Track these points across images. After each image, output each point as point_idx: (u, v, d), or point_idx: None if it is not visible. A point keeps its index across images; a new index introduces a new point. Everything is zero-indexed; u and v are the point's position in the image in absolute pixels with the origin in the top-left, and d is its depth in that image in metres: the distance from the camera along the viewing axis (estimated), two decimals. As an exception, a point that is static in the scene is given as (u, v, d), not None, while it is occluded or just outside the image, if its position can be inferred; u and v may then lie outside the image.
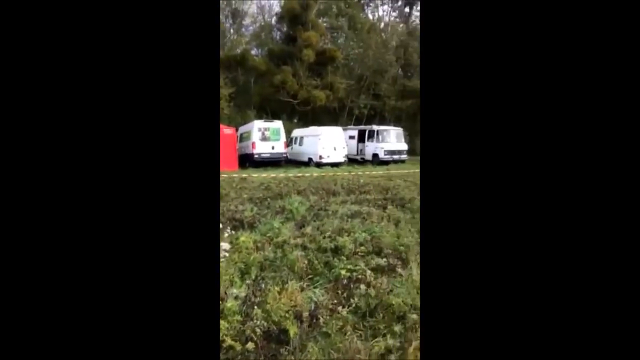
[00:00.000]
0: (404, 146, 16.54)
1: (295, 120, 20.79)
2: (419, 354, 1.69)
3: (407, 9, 24.95)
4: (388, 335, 1.84)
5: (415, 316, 1.95)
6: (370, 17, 24.17)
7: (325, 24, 21.58)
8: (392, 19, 24.89)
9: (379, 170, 11.84)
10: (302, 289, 2.39)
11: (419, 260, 2.94)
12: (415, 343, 1.74)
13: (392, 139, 16.12)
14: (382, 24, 24.24)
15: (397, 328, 1.89)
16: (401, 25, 24.69)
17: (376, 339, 1.85)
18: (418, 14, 25.05)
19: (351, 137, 16.74)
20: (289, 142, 15.32)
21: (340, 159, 14.22)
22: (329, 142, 13.99)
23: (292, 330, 1.89)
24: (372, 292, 2.29)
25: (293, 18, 19.66)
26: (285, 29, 21.41)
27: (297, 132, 16.04)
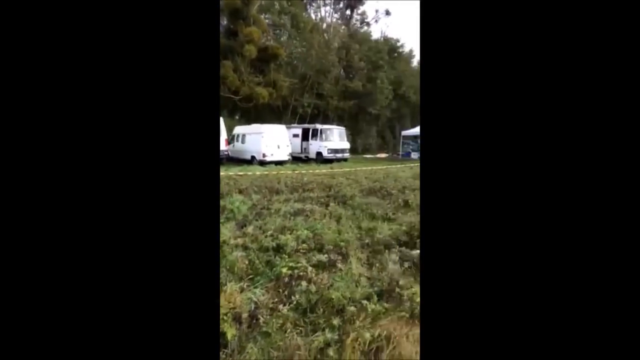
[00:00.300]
0: (346, 145, 17.02)
1: (237, 117, 20.17)
2: (356, 345, 1.74)
3: (348, 11, 25.65)
4: (327, 330, 1.87)
5: (352, 308, 2.01)
6: (313, 16, 24.39)
7: (267, 21, 21.24)
8: (334, 20, 25.40)
9: (323, 169, 12.03)
10: (242, 290, 2.32)
11: (358, 255, 3.04)
12: (353, 334, 1.79)
13: (335, 138, 16.50)
14: (324, 25, 24.59)
15: (336, 321, 1.93)
16: (342, 27, 25.31)
17: (316, 334, 1.87)
18: (359, 17, 25.93)
19: (295, 136, 16.77)
20: (231, 140, 14.84)
21: (285, 157, 14.16)
22: (272, 140, 13.84)
23: (230, 332, 1.82)
24: (313, 288, 2.31)
25: (234, 12, 19.00)
26: (225, 22, 20.64)
27: (239, 130, 15.59)
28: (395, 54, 26.31)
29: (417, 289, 2.30)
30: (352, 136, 21.41)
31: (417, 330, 1.89)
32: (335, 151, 16.02)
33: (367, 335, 1.77)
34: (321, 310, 2.09)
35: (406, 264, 2.80)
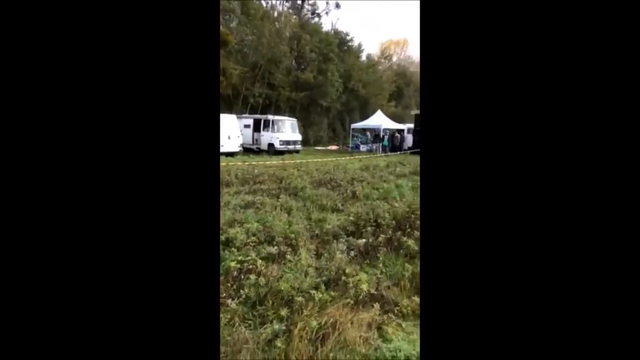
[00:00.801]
0: (298, 137, 17.02)
1: (184, 106, 19.04)
2: (303, 334, 1.80)
3: (299, 1, 25.33)
4: (275, 321, 1.90)
5: (301, 298, 2.06)
6: (264, 4, 23.70)
7: (215, 4, 20.17)
8: (285, 9, 24.93)
9: (274, 160, 11.92)
10: (188, 287, 2.26)
11: (307, 246, 3.10)
12: (301, 324, 1.84)
13: (287, 130, 16.41)
14: (275, 13, 24.05)
15: (284, 312, 1.96)
16: (294, 17, 24.97)
17: (264, 326, 1.89)
18: (310, 7, 25.75)
19: (246, 126, 16.37)
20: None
21: (235, 148, 13.77)
22: (222, 131, 13.34)
23: (175, 331, 1.77)
24: (263, 280, 2.32)
25: (178, -8, 17.77)
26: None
27: (185, 119, 14.77)
28: (345, 48, 26.63)
29: (362, 276, 2.42)
30: (304, 128, 21.41)
31: (361, 316, 2.00)
32: (287, 143, 15.95)
33: (314, 323, 1.84)
34: (270, 302, 2.11)
35: (352, 253, 2.93)
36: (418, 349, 1.77)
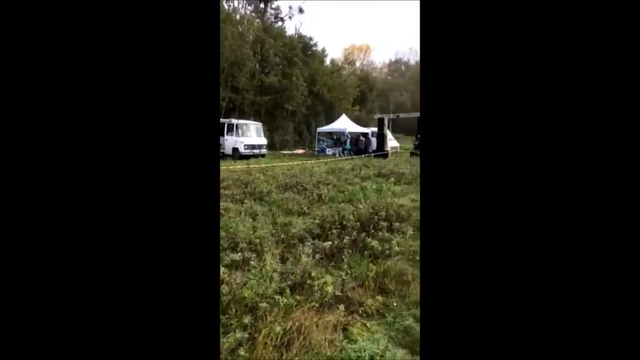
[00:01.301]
0: (263, 141, 16.85)
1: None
2: (268, 341, 1.76)
3: (262, 5, 25.18)
4: (237, 329, 1.85)
5: (265, 305, 2.02)
6: (226, 7, 23.25)
7: (174, 5, 19.50)
8: (247, 12, 24.65)
9: (239, 165, 11.68)
10: (145, 300, 2.14)
11: (272, 251, 3.06)
12: (265, 331, 1.80)
13: (252, 134, 16.19)
14: (238, 16, 23.70)
15: (247, 320, 1.91)
16: (257, 20, 24.76)
17: (227, 335, 1.83)
18: (273, 12, 25.67)
19: (209, 131, 15.92)
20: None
21: (197, 153, 13.33)
22: (183, 136, 12.89)
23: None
24: (226, 288, 2.25)
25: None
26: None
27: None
28: (309, 52, 26.83)
29: (327, 278, 2.43)
30: (269, 132, 21.24)
31: (326, 318, 1.99)
32: (252, 147, 15.72)
33: (279, 329, 1.81)
34: (233, 310, 2.05)
35: (318, 256, 2.92)
36: (382, 347, 1.80)
